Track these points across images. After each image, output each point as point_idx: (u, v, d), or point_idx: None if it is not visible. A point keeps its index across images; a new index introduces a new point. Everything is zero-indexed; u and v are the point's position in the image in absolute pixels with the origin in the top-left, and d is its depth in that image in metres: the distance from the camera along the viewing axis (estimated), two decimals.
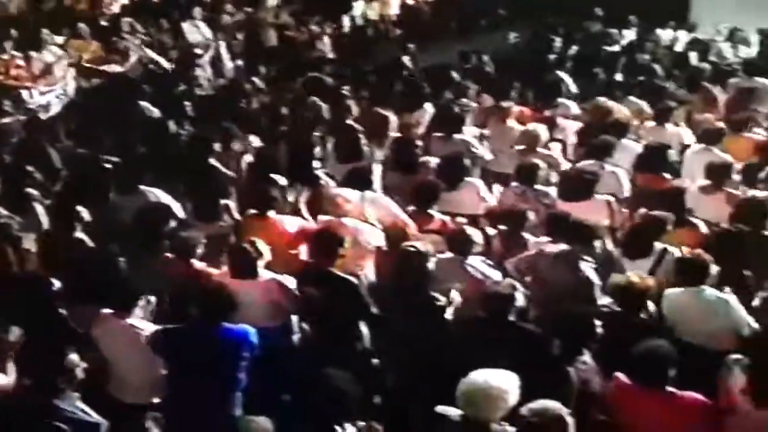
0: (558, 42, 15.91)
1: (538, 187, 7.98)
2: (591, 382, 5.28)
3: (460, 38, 17.46)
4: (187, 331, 5.55)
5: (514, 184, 8.14)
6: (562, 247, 6.57)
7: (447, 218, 7.47)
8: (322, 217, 7.41)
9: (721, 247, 6.39)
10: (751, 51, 15.85)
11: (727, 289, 5.98)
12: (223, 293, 5.55)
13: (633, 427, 4.88)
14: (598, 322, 5.64)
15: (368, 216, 7.35)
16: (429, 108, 10.91)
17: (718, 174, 7.98)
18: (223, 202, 7.81)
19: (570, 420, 4.26)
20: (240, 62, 15.45)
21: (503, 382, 4.47)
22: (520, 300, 5.74)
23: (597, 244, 6.71)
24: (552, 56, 15.24)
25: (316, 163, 8.54)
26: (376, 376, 6.06)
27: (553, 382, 5.08)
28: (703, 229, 7.18)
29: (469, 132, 9.85)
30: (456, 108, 10.43)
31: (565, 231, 6.64)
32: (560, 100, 11.43)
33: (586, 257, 6.47)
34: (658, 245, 6.66)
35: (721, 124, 10.13)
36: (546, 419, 4.22)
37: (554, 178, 8.48)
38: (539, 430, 4.21)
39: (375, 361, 6.17)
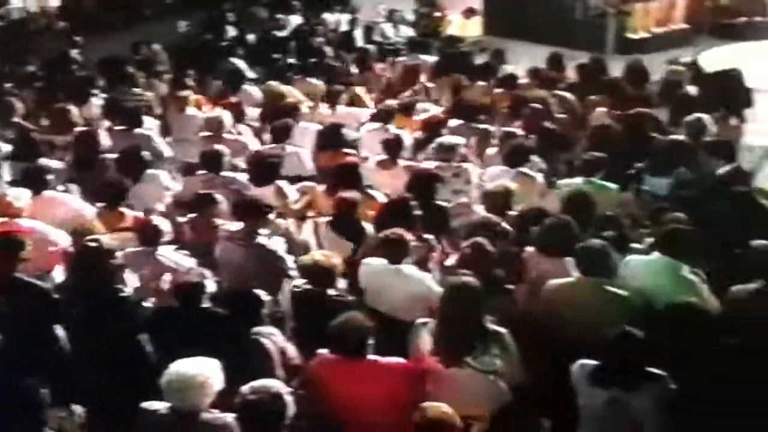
0: (230, 29, 15.95)
1: (225, 173, 8.00)
2: (288, 349, 5.38)
3: (129, 29, 17.04)
4: None
5: (200, 171, 8.10)
6: (238, 226, 6.67)
7: (140, 214, 7.32)
8: None
9: (392, 214, 6.68)
10: (409, 30, 16.73)
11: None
12: None
13: (341, 399, 4.99)
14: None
15: (43, 216, 7.05)
16: (98, 101, 10.60)
17: (392, 149, 8.35)
18: None
19: (289, 398, 4.34)
20: None
21: (205, 369, 4.47)
22: (211, 286, 5.74)
23: (272, 217, 6.86)
24: (225, 43, 15.27)
25: None
26: (77, 378, 5.84)
27: (253, 358, 5.15)
28: (382, 200, 7.49)
29: (148, 124, 9.68)
30: (131, 100, 10.21)
31: (246, 212, 6.73)
32: (244, 86, 11.50)
33: (261, 232, 6.59)
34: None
35: (393, 103, 10.67)
36: (264, 396, 4.27)
37: (242, 163, 8.55)
38: (257, 408, 4.26)
39: (74, 362, 5.93)
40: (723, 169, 7.51)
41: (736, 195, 7.02)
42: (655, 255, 5.95)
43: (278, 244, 6.65)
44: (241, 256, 6.49)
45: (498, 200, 7.07)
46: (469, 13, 17.79)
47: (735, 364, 4.75)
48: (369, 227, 6.87)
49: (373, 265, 6.12)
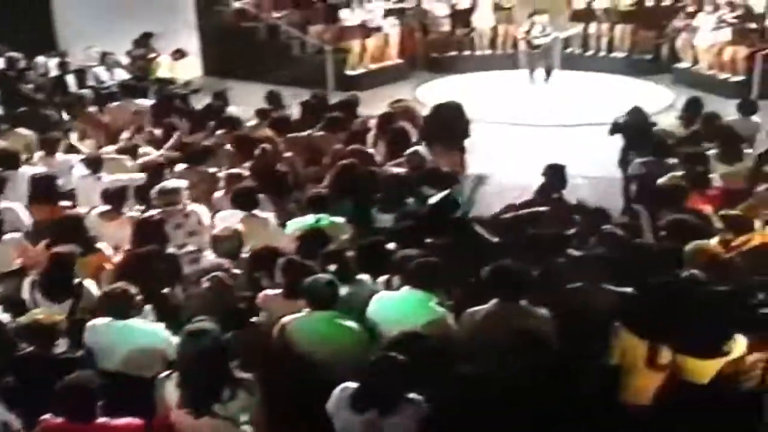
0: None
1: None
2: (11, 422, 5.14)
3: None
4: None
5: None
6: None
7: None
8: None
9: (133, 268, 6.57)
10: (125, 73, 16.43)
11: (147, 307, 6.17)
12: None
13: None
14: None
15: None
16: None
17: (114, 198, 8.18)
18: None
19: None
20: None
21: None
22: None
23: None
24: None
25: None
26: None
27: None
28: (109, 252, 7.33)
29: None
30: None
31: None
32: None
33: None
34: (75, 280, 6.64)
35: (109, 149, 10.45)
36: None
37: None
38: None
39: None
40: (435, 199, 7.92)
41: (452, 224, 7.43)
42: (404, 290, 6.17)
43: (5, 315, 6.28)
44: None
45: (228, 244, 7.08)
46: (178, 54, 17.82)
47: (464, 389, 5.04)
48: (89, 283, 6.68)
49: (98, 324, 5.94)
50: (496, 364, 5.19)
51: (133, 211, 8.26)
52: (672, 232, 7.16)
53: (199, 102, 13.12)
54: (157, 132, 11.27)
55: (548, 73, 17.95)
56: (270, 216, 8.08)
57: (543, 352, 5.23)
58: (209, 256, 7.24)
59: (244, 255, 7.04)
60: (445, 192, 8.01)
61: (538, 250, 6.76)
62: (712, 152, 9.17)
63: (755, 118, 10.69)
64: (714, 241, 6.97)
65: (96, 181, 8.97)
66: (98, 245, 7.37)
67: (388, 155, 9.84)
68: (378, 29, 18.68)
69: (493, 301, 5.89)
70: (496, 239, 7.30)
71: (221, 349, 5.14)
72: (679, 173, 8.62)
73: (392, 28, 18.96)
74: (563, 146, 13.61)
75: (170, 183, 8.32)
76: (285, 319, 5.88)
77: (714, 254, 6.53)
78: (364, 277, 6.60)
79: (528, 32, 18.02)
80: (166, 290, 6.51)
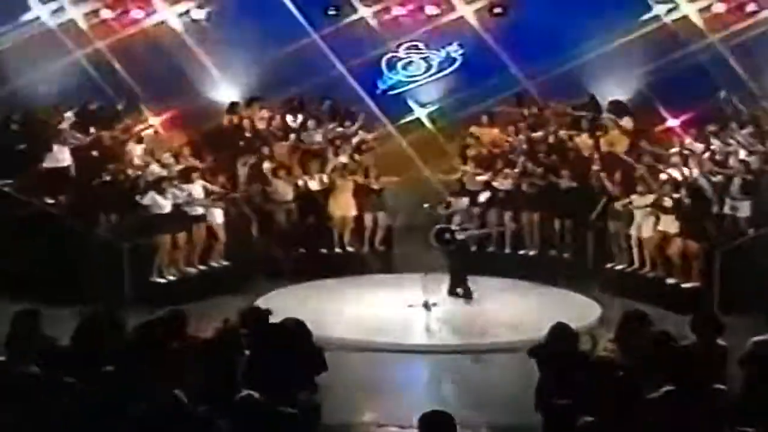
0: None
1: None
2: None
3: None
4: None
5: None
6: None
7: None
8: None
9: None
10: None
11: None
12: None
13: None
14: None
15: None
16: None
17: None
18: None
19: None
20: None
21: None
22: None
23: None
24: None
25: None
26: None
27: None
28: None
29: None
30: None
31: None
32: None
33: None
34: None
35: None
36: None
37: None
38: None
39: None
40: None
41: None
42: None
43: None
44: None
45: None
46: None
47: None
48: None
49: None
50: None
51: None
52: None
53: None
54: None
55: (463, 281, 17.70)
56: None
57: None
58: None
59: None
60: None
61: None
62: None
63: (720, 341, 10.26)
64: None
65: None
66: None
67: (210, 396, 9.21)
68: (200, 218, 18.42)
69: None
70: None
71: None
72: None
73: (219, 217, 18.73)
74: (459, 379, 13.68)
75: None
76: None
77: None
78: None
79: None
80: None
